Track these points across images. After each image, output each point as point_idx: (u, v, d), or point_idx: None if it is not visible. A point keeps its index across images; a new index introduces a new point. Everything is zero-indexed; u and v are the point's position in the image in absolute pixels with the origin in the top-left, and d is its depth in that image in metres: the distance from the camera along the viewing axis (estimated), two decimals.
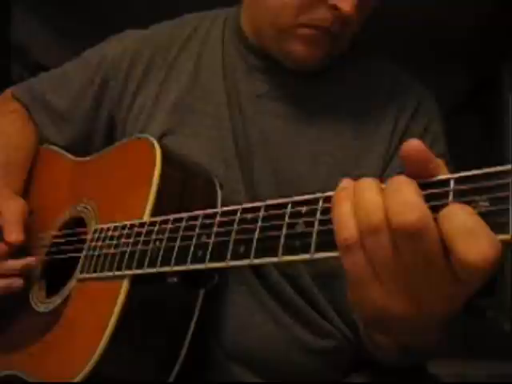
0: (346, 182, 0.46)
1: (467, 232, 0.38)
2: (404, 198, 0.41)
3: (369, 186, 0.44)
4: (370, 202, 0.43)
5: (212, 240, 0.57)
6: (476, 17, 3.15)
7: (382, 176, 0.81)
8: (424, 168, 0.43)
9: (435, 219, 0.40)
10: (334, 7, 0.74)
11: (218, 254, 0.56)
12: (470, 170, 0.42)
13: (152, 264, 0.63)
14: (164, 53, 0.90)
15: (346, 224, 0.44)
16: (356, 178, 0.79)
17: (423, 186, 0.43)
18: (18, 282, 0.78)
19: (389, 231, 0.42)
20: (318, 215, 0.48)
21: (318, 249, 0.47)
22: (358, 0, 0.74)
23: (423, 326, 0.47)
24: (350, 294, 0.48)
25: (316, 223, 0.48)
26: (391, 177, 0.80)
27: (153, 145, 0.73)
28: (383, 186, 0.44)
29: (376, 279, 0.44)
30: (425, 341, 0.56)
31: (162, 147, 0.73)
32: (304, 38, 0.78)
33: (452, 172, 0.43)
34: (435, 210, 0.41)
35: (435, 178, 0.43)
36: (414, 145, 0.42)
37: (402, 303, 0.44)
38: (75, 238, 0.78)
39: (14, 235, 0.78)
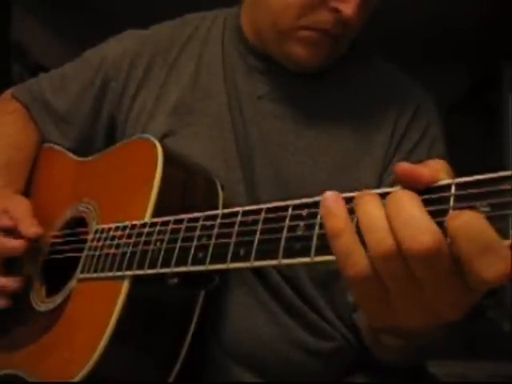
0: (333, 201, 0.43)
1: (484, 250, 0.37)
2: (412, 221, 0.39)
3: (375, 206, 0.42)
4: (379, 227, 0.41)
5: (213, 242, 0.57)
6: (476, 16, 3.15)
7: (380, 178, 0.81)
8: (420, 183, 0.43)
9: (443, 227, 0.39)
10: (336, 10, 0.74)
11: (219, 255, 0.56)
12: (469, 170, 0.42)
13: (152, 265, 0.63)
14: (164, 53, 0.90)
15: (353, 257, 0.42)
16: (355, 180, 0.80)
17: (424, 192, 0.43)
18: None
19: (401, 256, 0.40)
20: (319, 218, 0.48)
21: (318, 252, 0.47)
22: (359, 3, 0.73)
23: (432, 329, 0.47)
24: (359, 307, 0.47)
25: (316, 226, 0.48)
26: (389, 180, 0.81)
27: (154, 145, 0.73)
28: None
29: (389, 301, 0.43)
30: (431, 340, 0.56)
31: (163, 148, 0.73)
32: (305, 40, 0.78)
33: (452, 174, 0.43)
34: (437, 215, 0.40)
35: (436, 184, 0.43)
36: (403, 169, 0.42)
37: (413, 317, 0.44)
38: (76, 238, 0.78)
39: (34, 229, 0.77)
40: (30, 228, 0.77)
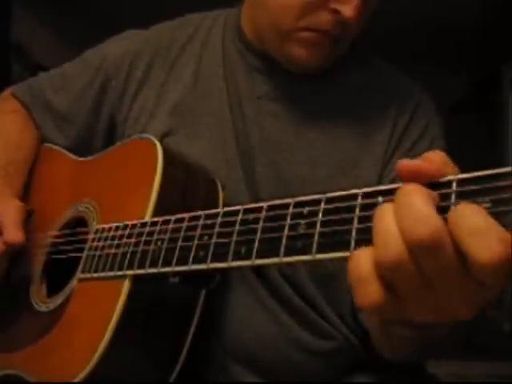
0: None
1: (476, 232, 0.38)
2: (415, 213, 0.39)
3: (388, 211, 0.41)
4: (389, 231, 0.40)
5: (214, 240, 0.57)
6: (477, 17, 3.15)
7: (380, 176, 0.81)
8: (424, 178, 0.42)
9: (445, 219, 0.40)
10: (335, 11, 0.74)
11: (220, 254, 0.56)
12: (470, 170, 0.42)
13: (153, 264, 0.63)
14: (165, 53, 0.90)
15: (366, 287, 0.42)
16: (355, 179, 0.80)
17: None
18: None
19: (408, 251, 0.40)
20: (320, 216, 0.48)
21: (320, 250, 0.47)
22: (359, 4, 0.74)
23: (446, 325, 0.47)
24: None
25: (318, 224, 0.48)
26: (389, 177, 0.80)
27: (155, 145, 0.74)
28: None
29: (400, 307, 0.42)
30: (446, 331, 0.55)
31: (163, 147, 0.73)
32: (305, 41, 0.78)
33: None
34: (439, 212, 0.40)
35: (437, 180, 0.43)
36: (405, 165, 0.42)
37: (427, 316, 0.43)
38: (76, 238, 0.78)
39: (13, 235, 0.78)
40: (9, 236, 0.78)
